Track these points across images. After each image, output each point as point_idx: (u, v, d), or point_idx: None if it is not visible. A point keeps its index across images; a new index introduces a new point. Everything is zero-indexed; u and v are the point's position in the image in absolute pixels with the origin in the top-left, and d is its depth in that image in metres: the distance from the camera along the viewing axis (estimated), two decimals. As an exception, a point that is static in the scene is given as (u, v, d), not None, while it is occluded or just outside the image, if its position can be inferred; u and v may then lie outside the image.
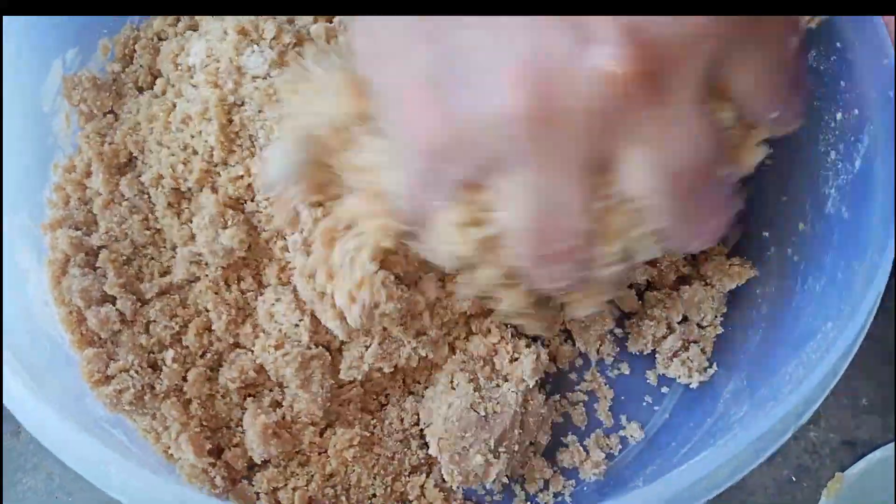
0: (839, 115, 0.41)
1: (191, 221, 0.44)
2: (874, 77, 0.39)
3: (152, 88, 0.47)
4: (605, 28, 0.26)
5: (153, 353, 0.43)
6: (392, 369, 0.44)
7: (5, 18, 0.43)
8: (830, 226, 0.41)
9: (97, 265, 0.44)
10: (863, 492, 0.46)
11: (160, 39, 0.49)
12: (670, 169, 0.29)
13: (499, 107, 0.27)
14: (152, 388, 0.42)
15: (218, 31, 0.44)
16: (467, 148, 0.29)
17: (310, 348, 0.43)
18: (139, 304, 0.44)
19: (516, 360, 0.46)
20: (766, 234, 0.47)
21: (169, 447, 0.42)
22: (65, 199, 0.46)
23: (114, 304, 0.43)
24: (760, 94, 0.30)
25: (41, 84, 0.46)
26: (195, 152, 0.43)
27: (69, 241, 0.44)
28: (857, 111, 0.40)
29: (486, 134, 0.28)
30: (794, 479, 0.51)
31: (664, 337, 0.48)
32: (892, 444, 0.47)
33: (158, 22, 0.49)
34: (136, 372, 0.42)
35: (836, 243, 0.40)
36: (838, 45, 0.41)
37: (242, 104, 0.42)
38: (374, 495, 0.44)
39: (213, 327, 0.44)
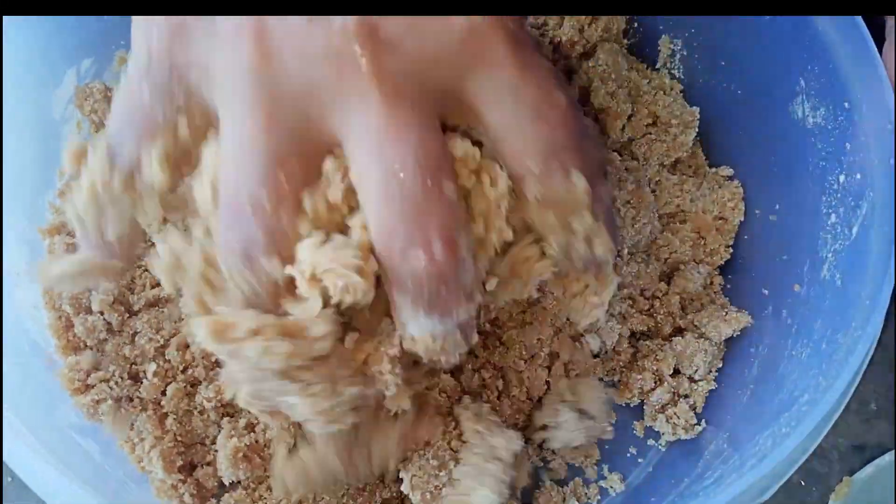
0: (842, 178, 0.40)
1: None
2: (877, 142, 0.38)
3: None
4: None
5: (136, 364, 0.44)
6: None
7: (21, 26, 0.44)
8: (824, 291, 0.40)
9: (90, 273, 0.45)
10: (871, 496, 0.46)
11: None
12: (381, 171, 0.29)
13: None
14: (130, 399, 0.43)
15: None
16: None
17: None
18: (127, 314, 0.44)
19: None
20: (766, 291, 0.45)
21: (143, 459, 0.43)
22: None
23: (102, 314, 0.44)
24: (509, 134, 0.30)
25: (53, 91, 0.47)
26: None
27: (65, 247, 0.45)
28: (859, 175, 0.39)
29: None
30: (802, 483, 0.50)
31: (652, 389, 0.46)
32: (897, 449, 0.47)
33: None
34: (116, 383, 0.43)
35: (827, 310, 0.39)
36: (846, 104, 0.39)
37: None
38: (341, 526, 0.44)
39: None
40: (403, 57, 0.28)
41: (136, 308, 0.45)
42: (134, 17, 0.32)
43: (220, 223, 0.30)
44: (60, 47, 0.47)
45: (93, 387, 0.42)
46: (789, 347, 0.41)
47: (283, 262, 0.30)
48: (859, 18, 0.39)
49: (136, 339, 0.44)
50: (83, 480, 0.37)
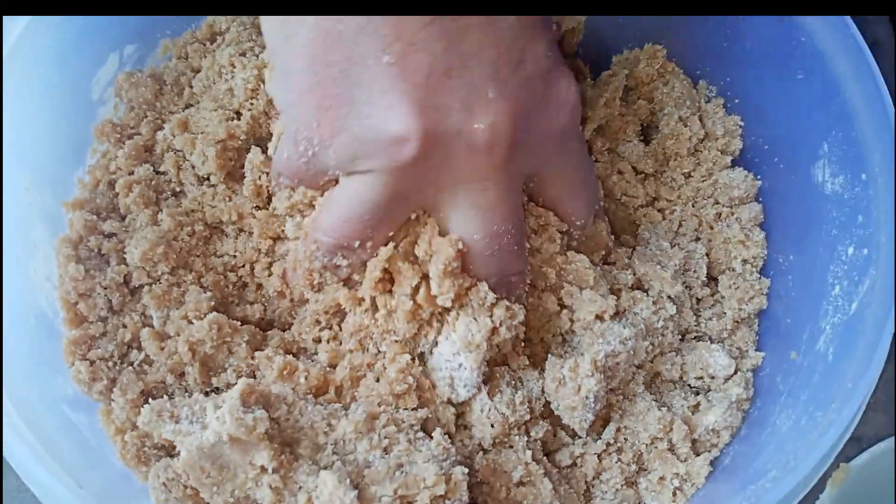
0: (851, 250, 0.39)
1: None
2: (887, 219, 0.37)
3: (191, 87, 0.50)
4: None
5: (131, 347, 0.45)
6: None
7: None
8: (816, 363, 0.39)
9: (103, 252, 0.46)
10: (867, 481, 0.46)
11: (212, 43, 0.51)
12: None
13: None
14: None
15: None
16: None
17: None
18: (129, 296, 0.46)
19: None
20: (764, 354, 0.44)
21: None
22: (94, 183, 0.48)
23: (105, 292, 0.45)
24: (566, 199, 0.42)
25: (94, 73, 0.49)
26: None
27: (84, 223, 0.46)
28: (866, 250, 0.38)
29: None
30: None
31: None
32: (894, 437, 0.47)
33: (205, 29, 0.51)
34: (114, 363, 0.44)
35: (815, 384, 0.38)
36: (863, 176, 0.38)
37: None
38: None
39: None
40: (522, 158, 0.37)
41: (133, 286, 0.45)
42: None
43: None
44: (105, 31, 0.48)
45: (93, 363, 0.44)
46: (775, 414, 0.40)
47: None
48: (886, 92, 0.38)
49: (127, 322, 0.45)
50: (65, 458, 0.38)
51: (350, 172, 0.37)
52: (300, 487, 0.35)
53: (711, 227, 0.48)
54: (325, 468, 0.36)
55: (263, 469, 0.35)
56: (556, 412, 0.42)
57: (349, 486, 0.34)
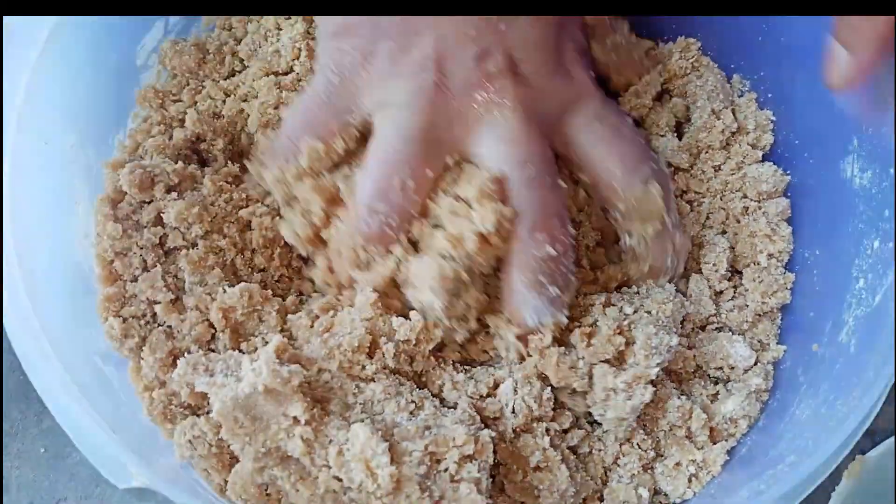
0: (876, 244, 0.39)
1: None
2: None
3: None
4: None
5: (156, 303, 0.46)
6: None
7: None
8: (838, 355, 0.39)
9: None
10: (883, 474, 0.46)
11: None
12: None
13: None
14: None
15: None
16: None
17: None
18: (164, 257, 0.46)
19: None
20: (786, 348, 0.45)
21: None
22: (134, 146, 0.49)
23: (141, 252, 0.46)
24: (597, 148, 0.44)
25: (140, 39, 0.50)
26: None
27: (131, 169, 0.46)
28: (892, 244, 0.38)
29: None
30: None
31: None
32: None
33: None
34: (146, 322, 0.45)
35: (836, 375, 0.38)
36: (892, 171, 0.39)
37: None
38: None
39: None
40: (533, 90, 0.40)
41: (168, 247, 0.46)
42: (320, 40, 0.43)
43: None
44: (152, -1, 0.50)
45: (125, 321, 0.45)
46: (795, 405, 0.41)
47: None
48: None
49: (167, 279, 0.46)
50: (99, 406, 0.39)
51: (380, 109, 0.40)
52: (330, 441, 0.36)
53: (738, 221, 0.48)
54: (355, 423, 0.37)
55: (296, 420, 0.36)
56: (599, 420, 0.43)
57: (380, 439, 0.35)
